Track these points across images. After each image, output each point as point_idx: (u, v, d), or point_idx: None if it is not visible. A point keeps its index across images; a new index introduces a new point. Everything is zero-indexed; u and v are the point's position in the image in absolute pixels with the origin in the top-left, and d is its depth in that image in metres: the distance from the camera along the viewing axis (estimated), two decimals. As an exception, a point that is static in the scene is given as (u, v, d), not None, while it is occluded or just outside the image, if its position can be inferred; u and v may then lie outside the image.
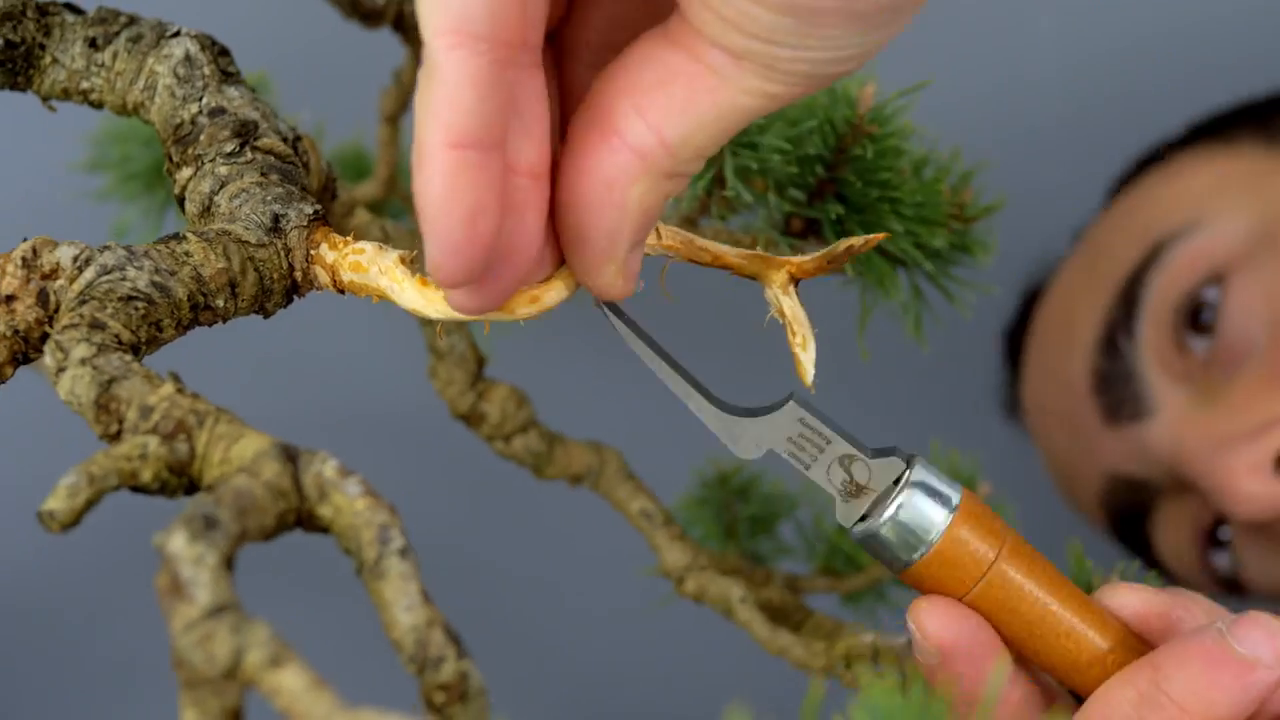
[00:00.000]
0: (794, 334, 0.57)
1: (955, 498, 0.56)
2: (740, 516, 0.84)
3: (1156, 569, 1.05)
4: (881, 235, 0.56)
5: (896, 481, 0.56)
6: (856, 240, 0.56)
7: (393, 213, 0.86)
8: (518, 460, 0.75)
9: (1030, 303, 1.12)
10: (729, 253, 0.57)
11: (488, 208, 0.46)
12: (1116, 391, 0.97)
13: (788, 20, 0.43)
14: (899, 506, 0.56)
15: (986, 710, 0.45)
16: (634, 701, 1.14)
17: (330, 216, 0.70)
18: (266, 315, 0.59)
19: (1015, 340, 1.13)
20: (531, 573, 1.12)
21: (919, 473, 0.56)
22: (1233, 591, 1.00)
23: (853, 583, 0.79)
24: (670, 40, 0.46)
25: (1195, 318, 0.95)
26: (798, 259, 0.56)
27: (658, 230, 0.55)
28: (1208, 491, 0.92)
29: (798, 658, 0.70)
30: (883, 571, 0.79)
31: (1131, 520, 1.01)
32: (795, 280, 0.57)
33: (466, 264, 0.48)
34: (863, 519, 0.57)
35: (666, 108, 0.46)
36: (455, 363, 0.74)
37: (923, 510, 0.55)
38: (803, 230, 0.72)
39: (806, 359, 0.57)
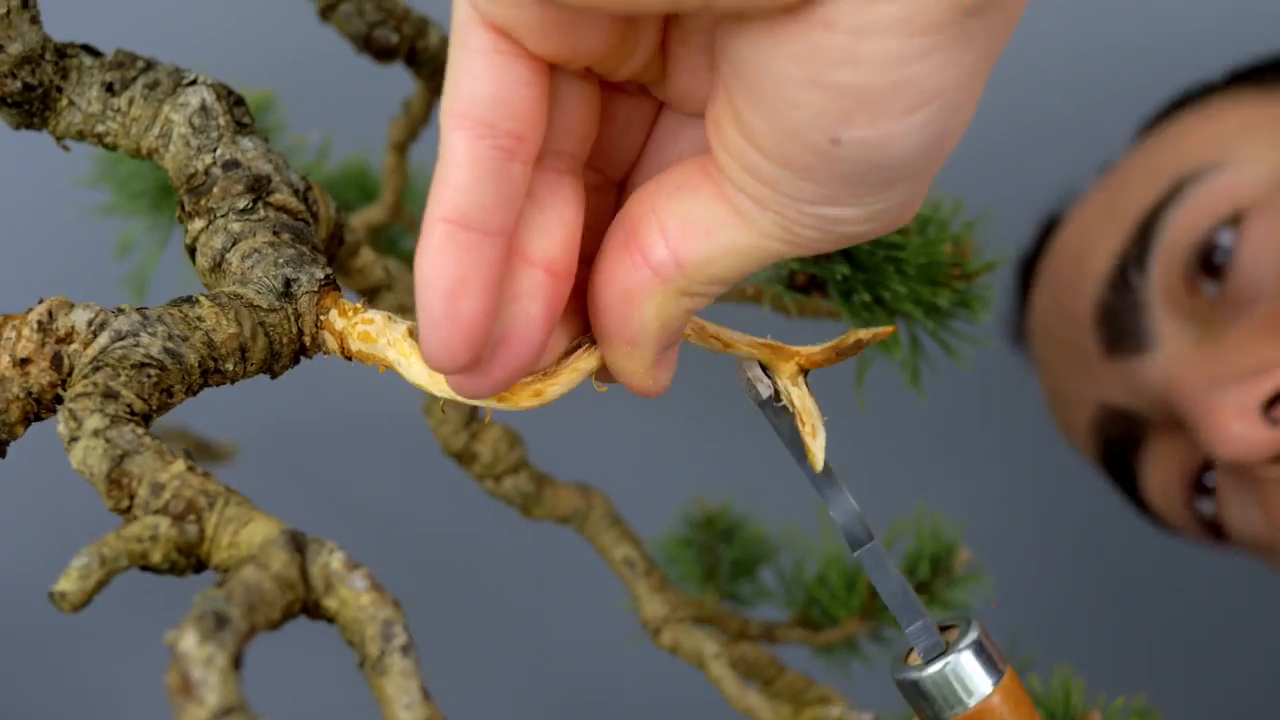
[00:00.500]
0: (804, 423, 0.57)
1: (1003, 670, 0.57)
2: (723, 559, 0.85)
3: (1141, 508, 1.05)
4: (889, 330, 0.57)
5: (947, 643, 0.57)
6: (865, 333, 0.57)
7: (395, 236, 0.86)
8: (507, 500, 0.76)
9: (1047, 232, 1.11)
10: (740, 341, 0.57)
11: (471, 287, 0.47)
12: (1120, 324, 0.97)
13: (786, 173, 0.43)
14: (947, 664, 0.56)
15: None
16: (628, 712, 1.15)
17: (336, 260, 0.70)
18: (274, 376, 0.60)
19: (1029, 269, 1.12)
20: (528, 578, 1.14)
21: (972, 634, 0.57)
22: (1215, 537, 1.01)
23: (827, 636, 0.81)
24: (704, 171, 0.46)
25: (1209, 261, 0.95)
26: (806, 350, 0.57)
27: None
28: (1194, 429, 0.93)
29: (764, 720, 0.71)
30: (857, 627, 0.80)
31: (1120, 454, 1.01)
32: (804, 371, 0.58)
33: (446, 341, 0.48)
34: (906, 661, 0.58)
35: (686, 234, 0.47)
36: (450, 402, 0.75)
37: (970, 673, 0.56)
38: (806, 285, 0.73)
39: (816, 447, 0.58)
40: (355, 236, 0.71)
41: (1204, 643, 1.16)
